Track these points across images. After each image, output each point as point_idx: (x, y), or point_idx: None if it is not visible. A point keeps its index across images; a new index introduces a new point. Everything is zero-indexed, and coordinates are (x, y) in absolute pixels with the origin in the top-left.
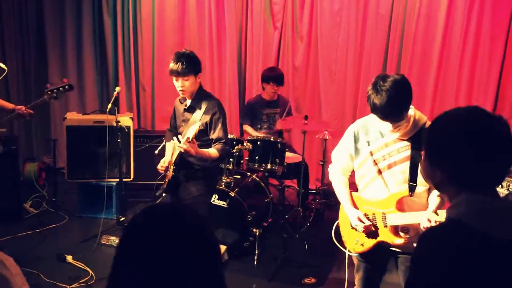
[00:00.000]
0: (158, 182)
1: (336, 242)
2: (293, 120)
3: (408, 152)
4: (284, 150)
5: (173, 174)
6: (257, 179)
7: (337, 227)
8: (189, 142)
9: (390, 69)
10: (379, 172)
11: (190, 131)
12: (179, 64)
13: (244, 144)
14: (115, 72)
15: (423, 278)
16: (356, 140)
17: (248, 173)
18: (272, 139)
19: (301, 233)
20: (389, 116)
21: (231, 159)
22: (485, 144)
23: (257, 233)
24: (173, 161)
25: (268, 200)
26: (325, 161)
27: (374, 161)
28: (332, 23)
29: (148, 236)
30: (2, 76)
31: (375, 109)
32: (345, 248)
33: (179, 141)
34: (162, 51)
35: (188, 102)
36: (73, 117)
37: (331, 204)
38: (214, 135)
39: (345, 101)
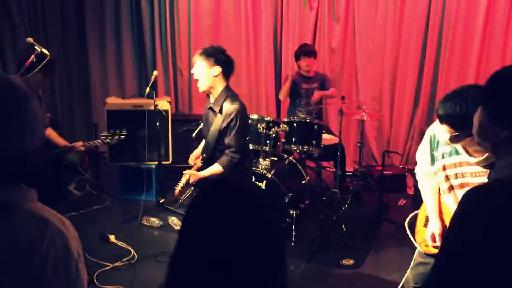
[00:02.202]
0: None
1: (408, 232)
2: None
3: (484, 179)
4: (321, 131)
5: (201, 164)
6: (294, 161)
7: (414, 218)
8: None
9: (430, 48)
10: (451, 188)
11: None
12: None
13: (281, 126)
14: (153, 58)
15: (463, 236)
16: (432, 146)
17: (285, 155)
18: (308, 121)
19: (338, 215)
20: (445, 119)
21: (268, 141)
22: None
23: (294, 215)
24: (201, 156)
25: (305, 182)
26: (362, 143)
27: (447, 176)
28: (370, 2)
29: (216, 213)
30: (45, 61)
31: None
32: (415, 240)
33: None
34: (199, 35)
35: (212, 99)
36: (113, 101)
37: (369, 186)
38: (226, 141)
39: (383, 82)
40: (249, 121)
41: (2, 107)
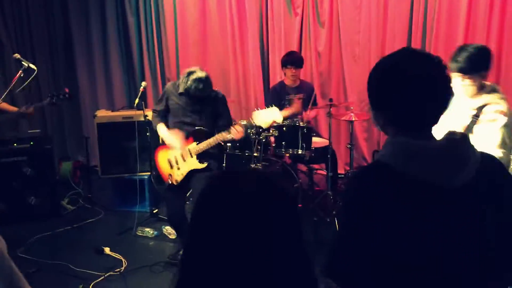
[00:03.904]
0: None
1: None
2: (317, 109)
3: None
4: (311, 134)
5: (206, 164)
6: (285, 165)
7: None
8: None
9: (414, 47)
10: None
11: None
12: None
13: (271, 130)
14: (141, 69)
15: (348, 215)
16: None
17: (276, 159)
18: (297, 124)
19: (332, 216)
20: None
21: (258, 146)
22: (409, 87)
23: None
24: (195, 153)
25: (297, 185)
26: (352, 144)
27: None
28: (353, 6)
29: (230, 203)
30: (32, 76)
31: None
32: None
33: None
34: (186, 45)
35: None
36: (103, 114)
37: None
38: (226, 121)
39: None
40: None
41: None
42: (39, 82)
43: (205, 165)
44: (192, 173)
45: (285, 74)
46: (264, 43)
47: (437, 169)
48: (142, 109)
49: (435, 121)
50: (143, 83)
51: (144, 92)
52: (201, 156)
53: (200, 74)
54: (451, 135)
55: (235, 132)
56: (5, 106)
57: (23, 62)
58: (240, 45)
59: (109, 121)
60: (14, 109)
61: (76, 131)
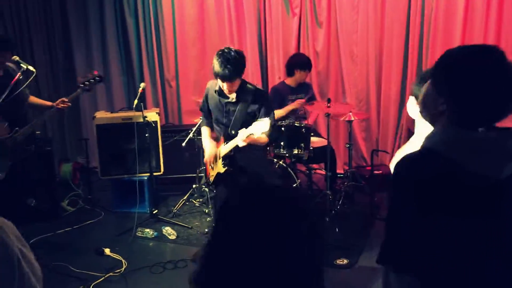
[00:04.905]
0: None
1: None
2: (316, 104)
3: None
4: (309, 134)
5: (225, 168)
6: (284, 165)
7: None
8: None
9: (412, 45)
10: None
11: (257, 128)
12: (226, 70)
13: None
14: (140, 70)
15: (394, 200)
16: None
17: (275, 160)
18: (296, 124)
19: (331, 216)
20: None
21: None
22: (488, 83)
23: None
24: (221, 155)
25: (296, 185)
26: (351, 144)
27: None
28: (351, 5)
29: (249, 217)
30: (31, 78)
31: None
32: None
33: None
34: (184, 46)
35: (233, 95)
36: (102, 115)
37: (360, 186)
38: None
39: (368, 83)
40: None
41: None
42: (38, 84)
43: (224, 169)
44: (218, 176)
45: (292, 75)
46: (262, 43)
47: (487, 159)
48: (141, 110)
49: (487, 122)
50: (142, 84)
51: (143, 93)
52: (224, 159)
53: (228, 53)
54: (502, 128)
55: (241, 140)
56: (37, 100)
57: (21, 64)
58: (239, 45)
59: (108, 122)
60: (48, 103)
61: (75, 132)
